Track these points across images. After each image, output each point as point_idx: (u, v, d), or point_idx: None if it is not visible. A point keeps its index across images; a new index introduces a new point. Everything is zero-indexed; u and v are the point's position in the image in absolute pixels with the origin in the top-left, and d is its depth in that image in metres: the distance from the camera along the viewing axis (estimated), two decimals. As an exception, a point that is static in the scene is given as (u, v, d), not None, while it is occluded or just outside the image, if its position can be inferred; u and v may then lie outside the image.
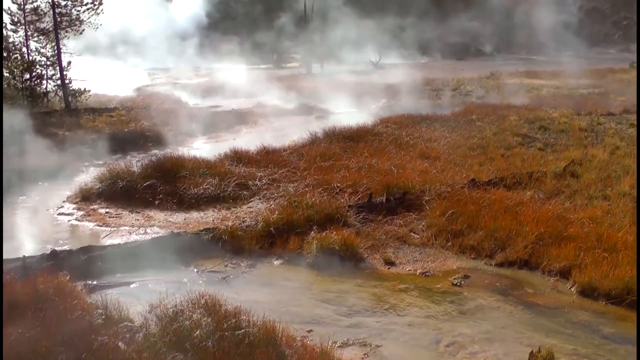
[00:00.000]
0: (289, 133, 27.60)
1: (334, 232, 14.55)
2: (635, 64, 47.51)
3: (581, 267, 12.82)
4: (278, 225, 15.21)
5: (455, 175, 19.35)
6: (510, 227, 14.69)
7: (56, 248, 14.59)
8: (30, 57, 33.02)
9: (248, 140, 25.54)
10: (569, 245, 13.58)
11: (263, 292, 12.73)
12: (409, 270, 13.89)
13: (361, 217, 16.12)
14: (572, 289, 12.57)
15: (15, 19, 32.59)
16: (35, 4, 33.20)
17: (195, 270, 13.86)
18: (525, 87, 41.80)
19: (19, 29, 32.85)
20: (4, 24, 30.37)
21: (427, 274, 13.63)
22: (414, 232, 15.65)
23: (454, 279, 13.19)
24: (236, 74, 50.25)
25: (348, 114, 34.08)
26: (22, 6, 32.74)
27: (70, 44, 34.97)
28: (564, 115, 29.41)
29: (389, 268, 14.01)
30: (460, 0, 69.05)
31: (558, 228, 14.46)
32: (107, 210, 18.29)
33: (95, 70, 45.84)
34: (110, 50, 54.25)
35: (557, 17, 71.13)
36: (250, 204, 17.85)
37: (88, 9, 34.37)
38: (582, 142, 24.24)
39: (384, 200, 16.83)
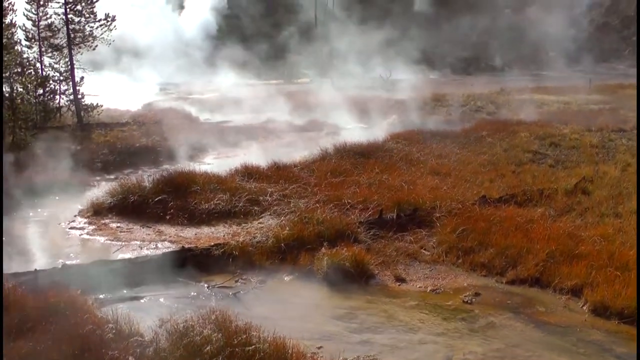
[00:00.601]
0: (300, 148, 27.63)
1: (345, 249, 14.56)
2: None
3: (593, 285, 12.77)
4: (289, 241, 15.25)
5: (466, 191, 19.33)
6: (521, 244, 14.67)
7: (67, 262, 14.66)
8: (44, 73, 33.24)
9: (259, 155, 25.56)
10: (580, 263, 13.53)
11: (273, 308, 12.73)
12: (419, 287, 13.88)
13: (372, 233, 16.12)
14: (584, 308, 12.52)
15: (30, 35, 32.83)
16: (49, 21, 33.42)
17: (206, 285, 13.88)
18: (536, 102, 41.66)
19: (33, 45, 33.08)
20: (19, 40, 30.58)
21: (437, 291, 13.61)
22: (425, 249, 15.64)
23: (465, 296, 13.16)
24: (247, 90, 50.36)
25: (358, 129, 34.08)
26: (37, 22, 32.99)
27: (82, 59, 35.20)
28: (574, 131, 29.30)
29: (399, 285, 14.00)
30: (470, 16, 69.02)
31: (569, 246, 14.43)
32: (119, 224, 18.36)
33: (107, 85, 46.11)
34: (121, 65, 54.59)
35: (567, 32, 71.13)
36: (261, 219, 17.87)
37: (101, 25, 34.57)
38: (593, 158, 24.15)
39: (394, 217, 16.83)
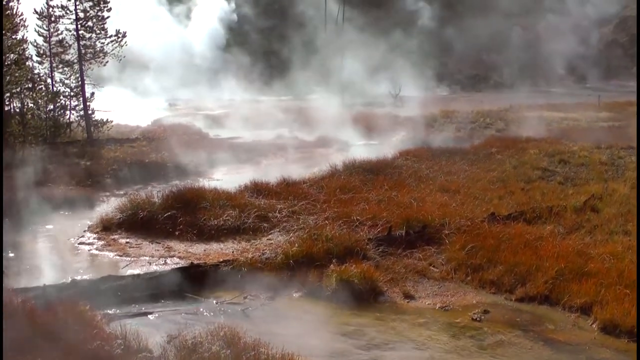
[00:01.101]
0: (309, 165, 27.70)
1: (354, 265, 14.56)
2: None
3: (602, 303, 12.72)
4: (297, 258, 15.25)
5: (475, 208, 19.30)
6: (531, 262, 14.63)
7: (76, 277, 14.70)
8: (55, 88, 33.44)
9: (268, 171, 25.63)
10: (589, 281, 13.49)
11: (282, 325, 12.73)
12: (428, 304, 13.86)
13: (381, 250, 16.12)
14: (594, 326, 12.47)
15: (41, 51, 33.06)
16: (60, 37, 33.67)
17: (215, 301, 13.89)
18: (545, 119, 41.65)
19: (44, 61, 33.30)
20: (30, 56, 30.81)
21: (446, 308, 13.59)
22: (434, 266, 15.62)
23: (474, 313, 13.13)
24: (256, 105, 50.56)
25: (368, 146, 34.16)
26: (48, 39, 33.23)
27: (91, 74, 35.40)
28: (584, 148, 29.25)
29: (408, 302, 13.99)
30: (479, 32, 69.15)
31: (579, 263, 14.39)
32: (128, 240, 18.41)
33: (116, 101, 46.37)
34: (130, 80, 54.89)
35: (576, 50, 71.15)
36: (270, 236, 17.89)
37: (112, 41, 34.82)
38: (602, 176, 24.09)
39: (403, 234, 16.83)
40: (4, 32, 26.91)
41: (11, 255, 17.14)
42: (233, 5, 76.23)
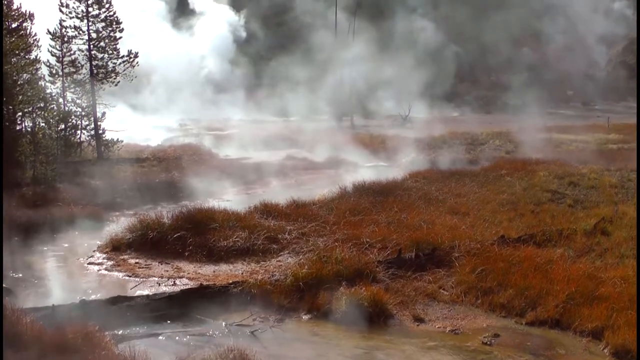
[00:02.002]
0: (319, 186, 27.67)
1: (363, 288, 14.54)
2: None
3: (614, 328, 12.65)
4: (307, 280, 15.22)
5: (485, 231, 19.26)
6: (541, 285, 14.58)
7: (85, 297, 14.70)
8: (66, 108, 33.62)
9: (278, 192, 25.65)
10: (601, 305, 13.42)
11: (291, 347, 12.71)
12: (438, 327, 13.80)
13: (390, 272, 16.08)
14: (605, 351, 12.40)
15: (54, 71, 33.27)
16: (73, 57, 33.92)
17: (224, 323, 13.86)
18: (554, 141, 41.64)
19: (56, 81, 33.50)
20: (42, 76, 31.01)
21: (456, 331, 13.53)
22: (444, 289, 15.56)
23: (484, 337, 13.07)
24: (266, 126, 50.70)
25: (377, 167, 34.17)
26: (61, 59, 33.46)
27: (104, 94, 35.63)
28: (593, 171, 29.17)
29: (418, 325, 13.94)
30: (489, 54, 69.29)
31: (589, 287, 14.32)
32: (137, 260, 18.43)
33: (126, 120, 46.56)
34: (141, 99, 55.11)
35: (585, 71, 71.19)
36: (279, 257, 17.88)
37: (124, 62, 35.11)
38: (612, 198, 24.01)
39: (413, 256, 16.79)
40: (17, 52, 27.16)
41: (20, 275, 17.17)
42: (242, 22, 76.56)
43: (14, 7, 28.24)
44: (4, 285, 15.33)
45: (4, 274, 16.55)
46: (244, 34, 76.29)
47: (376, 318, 13.89)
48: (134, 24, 45.82)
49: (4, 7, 26.82)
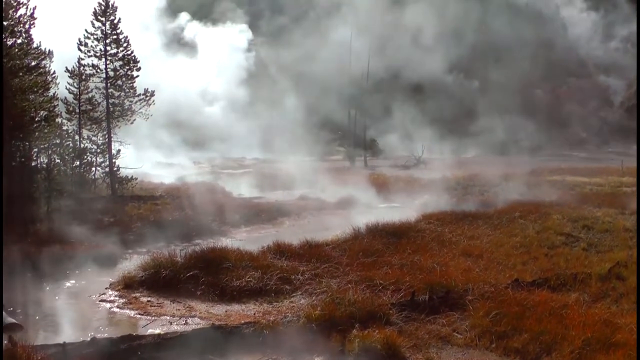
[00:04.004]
0: (332, 226, 27.59)
1: (376, 330, 14.41)
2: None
3: (631, 375, 12.47)
4: (320, 322, 15.12)
5: (499, 274, 19.15)
6: (556, 330, 14.40)
7: (96, 335, 14.67)
8: (82, 145, 33.94)
9: (291, 232, 25.64)
10: (617, 352, 13.22)
11: (303, 390, 12.58)
12: (452, 372, 13.64)
13: (404, 315, 15.94)
14: (622, 399, 12.20)
15: (71, 108, 33.64)
16: (90, 94, 34.31)
17: (236, 364, 13.78)
18: (568, 184, 41.54)
19: (73, 118, 33.86)
20: (59, 113, 31.34)
21: (470, 376, 13.37)
22: (457, 332, 15.40)
23: (499, 383, 12.91)
24: (279, 166, 50.86)
25: (390, 209, 34.11)
26: (78, 96, 33.85)
27: (120, 131, 35.96)
28: (607, 214, 29.02)
29: (431, 369, 13.77)
30: (502, 96, 69.56)
31: (605, 333, 14.13)
32: (149, 298, 18.40)
33: (141, 158, 46.86)
34: (157, 137, 55.53)
35: (599, 113, 71.32)
36: (292, 298, 17.82)
37: (140, 100, 35.51)
38: (627, 242, 23.80)
39: (426, 299, 16.66)
40: (36, 89, 27.48)
41: (31, 311, 17.18)
42: (252, 59, 76.77)
43: (34, 45, 28.64)
44: (16, 322, 15.37)
45: (15, 310, 16.66)
46: (253, 66, 76.20)
47: (389, 361, 13.75)
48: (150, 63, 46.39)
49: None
